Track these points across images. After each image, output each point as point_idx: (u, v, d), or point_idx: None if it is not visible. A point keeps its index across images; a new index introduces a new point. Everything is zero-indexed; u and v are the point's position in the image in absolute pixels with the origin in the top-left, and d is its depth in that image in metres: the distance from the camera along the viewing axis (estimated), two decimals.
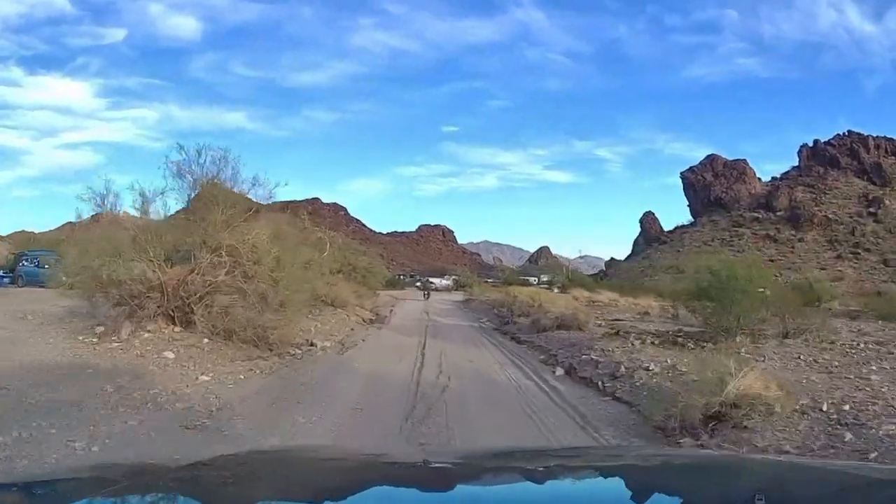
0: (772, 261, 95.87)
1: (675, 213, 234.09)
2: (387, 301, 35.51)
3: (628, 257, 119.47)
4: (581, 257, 60.56)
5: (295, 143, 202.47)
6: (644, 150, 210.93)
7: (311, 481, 1.81)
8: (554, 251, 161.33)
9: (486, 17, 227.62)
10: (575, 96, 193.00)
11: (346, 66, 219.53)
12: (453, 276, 71.11)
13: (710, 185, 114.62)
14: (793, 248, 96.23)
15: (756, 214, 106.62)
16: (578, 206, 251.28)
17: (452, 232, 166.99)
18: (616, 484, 1.82)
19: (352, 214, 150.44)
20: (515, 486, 1.80)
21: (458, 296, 49.71)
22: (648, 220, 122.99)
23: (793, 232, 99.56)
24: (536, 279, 65.42)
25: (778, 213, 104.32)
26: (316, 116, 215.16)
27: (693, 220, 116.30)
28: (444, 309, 33.47)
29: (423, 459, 2.10)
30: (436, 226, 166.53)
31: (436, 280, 61.33)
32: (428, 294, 42.55)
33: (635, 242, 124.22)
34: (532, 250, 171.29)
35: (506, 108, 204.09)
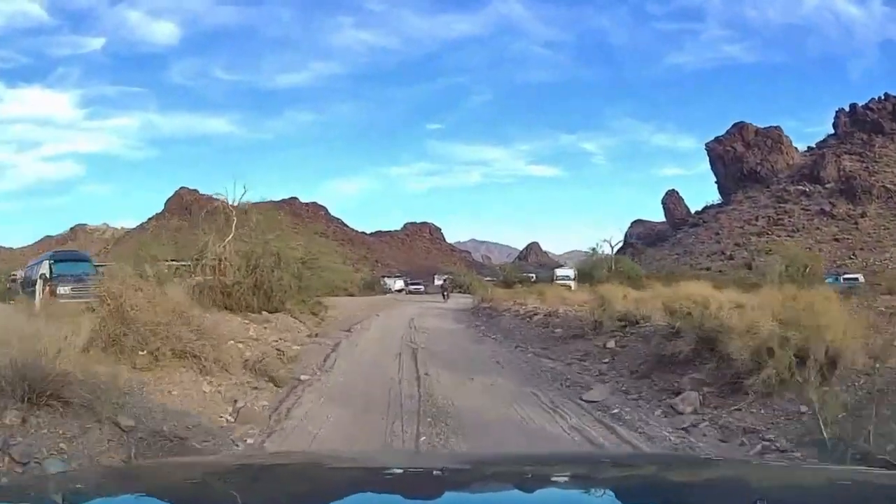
0: (836, 240, 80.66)
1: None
2: (347, 316, 21.03)
3: (623, 247, 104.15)
4: (631, 236, 45.90)
5: (277, 145, 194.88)
6: (629, 141, 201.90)
7: (297, 488, 1.77)
8: (544, 248, 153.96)
9: (467, 11, 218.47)
10: (558, 89, 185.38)
11: (326, 67, 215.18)
12: (446, 276, 61.67)
13: (741, 157, 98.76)
14: (856, 224, 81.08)
15: (802, 187, 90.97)
16: (565, 199, 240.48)
17: (440, 230, 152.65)
18: (612, 490, 1.72)
19: (333, 214, 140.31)
20: (504, 493, 1.75)
21: (459, 300, 33.74)
22: (672, 201, 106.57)
23: (850, 206, 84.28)
24: (534, 276, 57.49)
25: (827, 186, 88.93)
26: (298, 118, 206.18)
27: (721, 196, 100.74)
28: (448, 332, 17.43)
29: (412, 465, 2.16)
30: (422, 224, 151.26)
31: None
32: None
33: (627, 234, 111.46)
34: (520, 248, 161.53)
35: (489, 102, 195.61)
